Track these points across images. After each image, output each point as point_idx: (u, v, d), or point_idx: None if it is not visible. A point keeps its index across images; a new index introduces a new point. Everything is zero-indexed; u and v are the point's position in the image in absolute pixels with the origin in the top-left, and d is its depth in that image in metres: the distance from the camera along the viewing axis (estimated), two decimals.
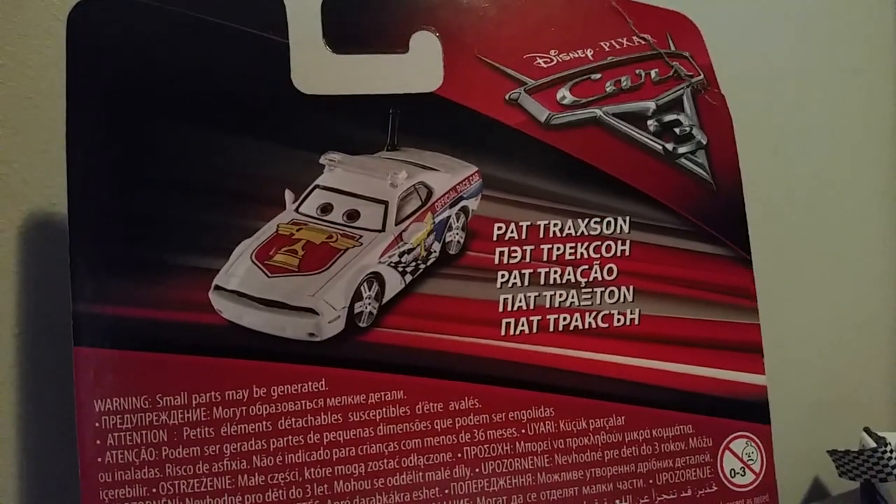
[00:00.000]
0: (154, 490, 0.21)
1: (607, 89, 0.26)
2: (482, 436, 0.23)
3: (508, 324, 0.24)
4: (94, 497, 0.21)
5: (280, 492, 0.22)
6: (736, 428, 0.26)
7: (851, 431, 0.37)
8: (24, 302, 0.29)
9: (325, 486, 0.22)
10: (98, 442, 0.21)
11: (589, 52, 0.26)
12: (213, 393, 0.22)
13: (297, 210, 0.23)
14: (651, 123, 0.26)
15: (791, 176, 0.42)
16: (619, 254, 0.25)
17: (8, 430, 0.28)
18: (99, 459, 0.21)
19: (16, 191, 0.28)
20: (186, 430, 0.21)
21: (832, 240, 0.42)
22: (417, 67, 0.25)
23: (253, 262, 0.22)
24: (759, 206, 0.29)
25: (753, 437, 0.26)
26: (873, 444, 0.34)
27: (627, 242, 0.25)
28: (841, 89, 0.43)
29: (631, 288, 0.25)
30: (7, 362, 0.28)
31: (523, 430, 0.24)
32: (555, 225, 0.25)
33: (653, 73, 0.26)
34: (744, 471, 0.26)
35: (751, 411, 0.26)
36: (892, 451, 0.33)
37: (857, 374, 0.43)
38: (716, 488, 0.25)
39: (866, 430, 0.36)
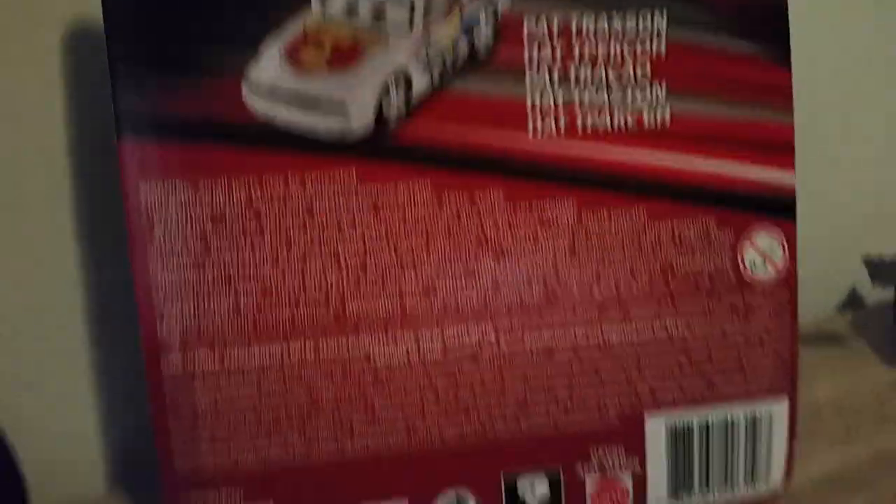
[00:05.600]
0: (200, 261, 0.23)
1: None
2: (506, 225, 0.24)
3: (536, 122, 0.24)
4: (144, 267, 0.23)
5: (318, 262, 0.24)
6: (760, 221, 0.26)
7: (891, 243, 0.37)
8: (71, 111, 0.31)
9: (359, 262, 0.24)
10: (145, 220, 0.23)
11: None
12: (251, 177, 0.23)
13: (322, 9, 0.23)
14: None
15: None
16: (653, 51, 0.25)
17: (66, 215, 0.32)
18: (148, 235, 0.23)
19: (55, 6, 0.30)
20: (229, 210, 0.23)
21: (882, 37, 0.40)
22: None
23: (282, 57, 0.23)
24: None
25: (777, 232, 0.26)
26: None
27: (662, 39, 0.25)
28: None
29: (664, 85, 0.25)
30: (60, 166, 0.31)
31: (546, 221, 0.25)
32: (588, 20, 0.24)
33: None
34: (765, 264, 0.26)
35: (776, 207, 0.26)
36: None
37: None
38: (734, 279, 0.26)
39: None
